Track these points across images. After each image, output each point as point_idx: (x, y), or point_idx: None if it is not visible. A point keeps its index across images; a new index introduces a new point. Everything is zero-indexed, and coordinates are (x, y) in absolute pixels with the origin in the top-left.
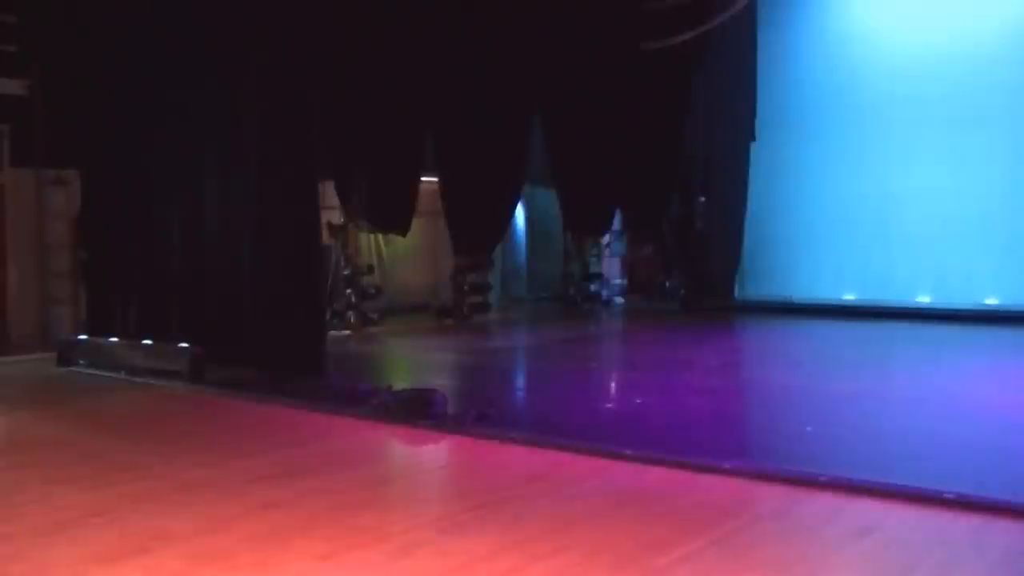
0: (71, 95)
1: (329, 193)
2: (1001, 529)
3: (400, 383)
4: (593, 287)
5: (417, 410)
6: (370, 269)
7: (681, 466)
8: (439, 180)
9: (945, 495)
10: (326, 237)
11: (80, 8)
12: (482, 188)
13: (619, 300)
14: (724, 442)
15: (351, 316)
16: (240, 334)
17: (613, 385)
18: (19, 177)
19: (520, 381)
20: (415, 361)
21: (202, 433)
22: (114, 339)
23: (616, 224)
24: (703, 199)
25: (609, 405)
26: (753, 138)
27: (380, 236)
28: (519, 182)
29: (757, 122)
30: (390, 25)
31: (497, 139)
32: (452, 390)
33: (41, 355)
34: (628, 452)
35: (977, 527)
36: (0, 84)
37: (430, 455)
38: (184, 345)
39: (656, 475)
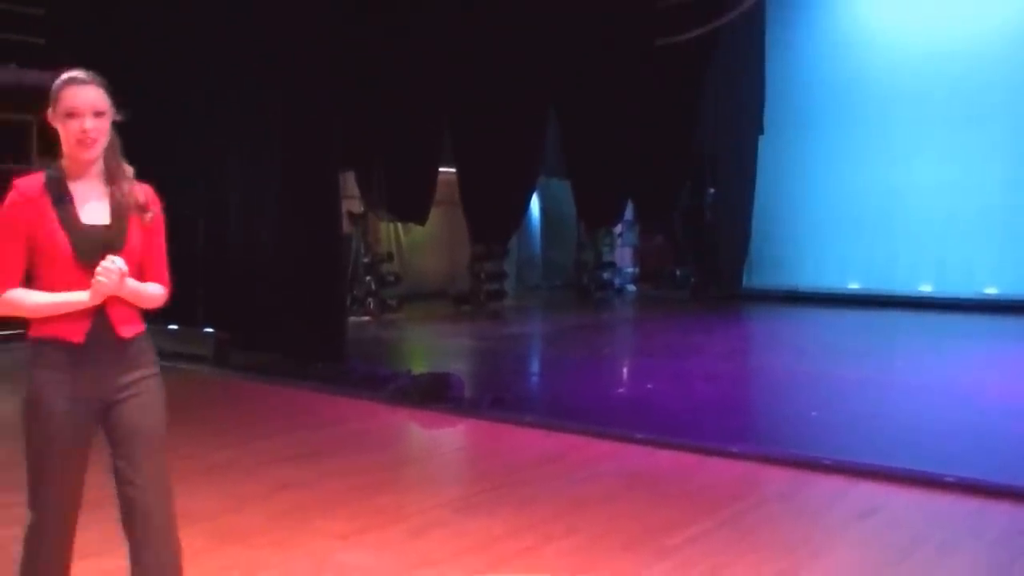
0: None
1: (350, 183)
2: (1000, 511)
3: (418, 368)
4: (606, 275)
5: (435, 394)
6: (389, 257)
7: (690, 449)
8: (457, 172)
9: (946, 478)
10: (347, 226)
11: (107, 0)
12: (498, 179)
13: (631, 288)
14: (732, 426)
15: (371, 303)
16: (264, 320)
17: (625, 371)
18: (46, 166)
19: (535, 366)
20: (433, 346)
21: (226, 416)
22: None
23: (628, 214)
24: (712, 191)
25: (621, 390)
26: (761, 132)
27: (399, 225)
28: (534, 173)
29: (765, 117)
30: (411, 22)
31: (513, 132)
32: (469, 375)
33: None
34: (639, 435)
35: (976, 509)
36: (28, 76)
37: (447, 438)
38: (209, 330)
39: (666, 458)
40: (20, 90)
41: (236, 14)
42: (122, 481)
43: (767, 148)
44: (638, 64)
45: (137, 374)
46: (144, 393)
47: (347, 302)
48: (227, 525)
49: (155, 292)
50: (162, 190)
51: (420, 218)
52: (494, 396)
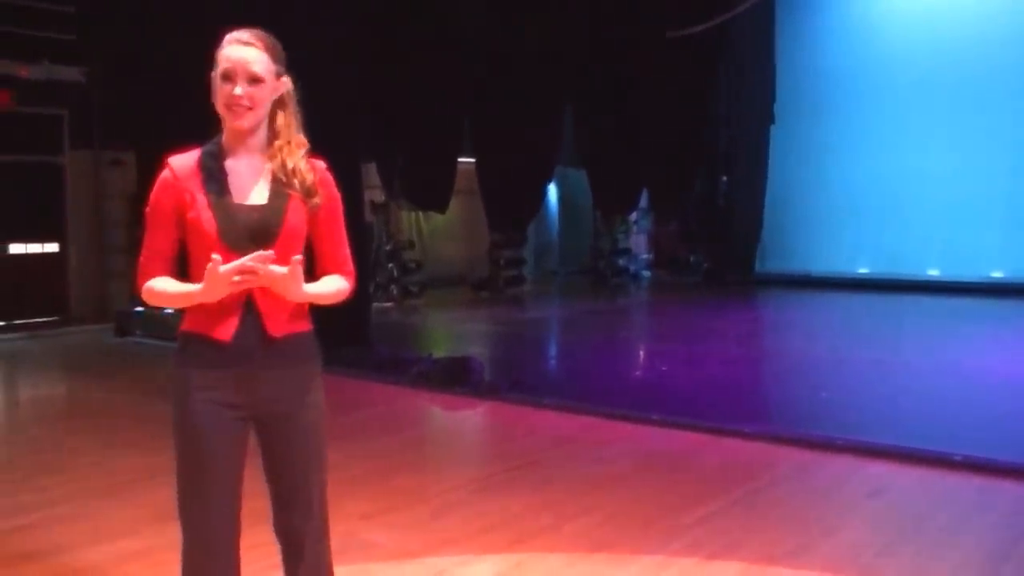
0: (126, 81)
1: (372, 174)
2: (1005, 490)
3: (439, 352)
4: (621, 261)
5: (455, 377)
6: (411, 244)
7: (704, 430)
8: (476, 162)
9: (953, 457)
10: (369, 215)
11: None
12: (517, 169)
13: (646, 274)
14: (745, 407)
15: (393, 289)
16: None
17: (640, 354)
18: (78, 158)
19: (552, 350)
20: (453, 331)
21: None
22: (169, 311)
23: (643, 202)
24: (725, 179)
25: (636, 373)
26: (772, 121)
27: (420, 214)
28: (551, 163)
29: (776, 106)
30: (431, 16)
31: (530, 123)
32: (488, 358)
33: (100, 326)
34: (655, 417)
35: (982, 487)
36: (60, 71)
37: (467, 420)
38: None
39: (681, 438)
40: (52, 85)
41: (261, 7)
42: (278, 508)
43: (778, 136)
44: (651, 56)
45: (292, 384)
46: (303, 410)
47: (370, 289)
48: (251, 507)
49: (332, 288)
50: None
51: (441, 207)
52: (513, 379)
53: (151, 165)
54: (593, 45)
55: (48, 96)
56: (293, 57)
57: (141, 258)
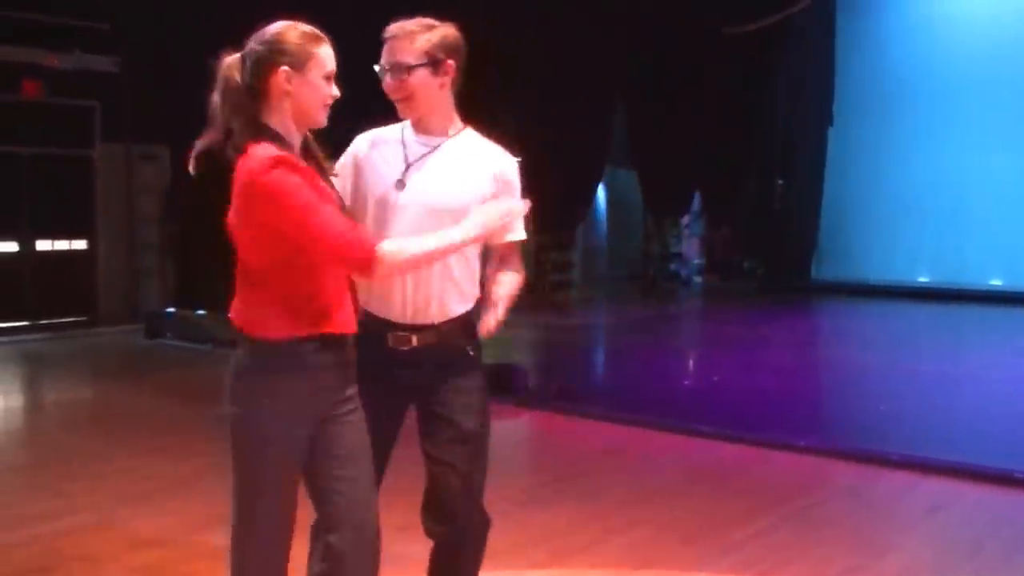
0: (159, 72)
1: None
2: None
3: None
4: (672, 266)
5: (499, 385)
6: None
7: (756, 443)
8: (522, 161)
9: (1015, 474)
10: None
11: None
12: (565, 169)
13: (697, 279)
14: (798, 420)
15: None
16: None
17: (690, 362)
18: (109, 152)
19: (600, 358)
20: (497, 337)
21: None
22: (202, 312)
23: (695, 205)
24: (781, 182)
25: (686, 382)
26: (831, 123)
27: None
28: (601, 163)
29: (835, 107)
30: (477, 11)
31: (580, 122)
32: (534, 366)
33: (129, 327)
34: (704, 428)
35: None
36: (91, 61)
37: (510, 429)
38: None
39: (731, 451)
40: (83, 75)
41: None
42: (322, 521)
43: (836, 139)
44: (707, 54)
45: (354, 388)
46: (358, 413)
47: None
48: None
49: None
50: (226, 174)
51: None
52: (559, 387)
53: (185, 160)
54: (647, 41)
55: (79, 87)
56: (342, 50)
57: (336, 232)
